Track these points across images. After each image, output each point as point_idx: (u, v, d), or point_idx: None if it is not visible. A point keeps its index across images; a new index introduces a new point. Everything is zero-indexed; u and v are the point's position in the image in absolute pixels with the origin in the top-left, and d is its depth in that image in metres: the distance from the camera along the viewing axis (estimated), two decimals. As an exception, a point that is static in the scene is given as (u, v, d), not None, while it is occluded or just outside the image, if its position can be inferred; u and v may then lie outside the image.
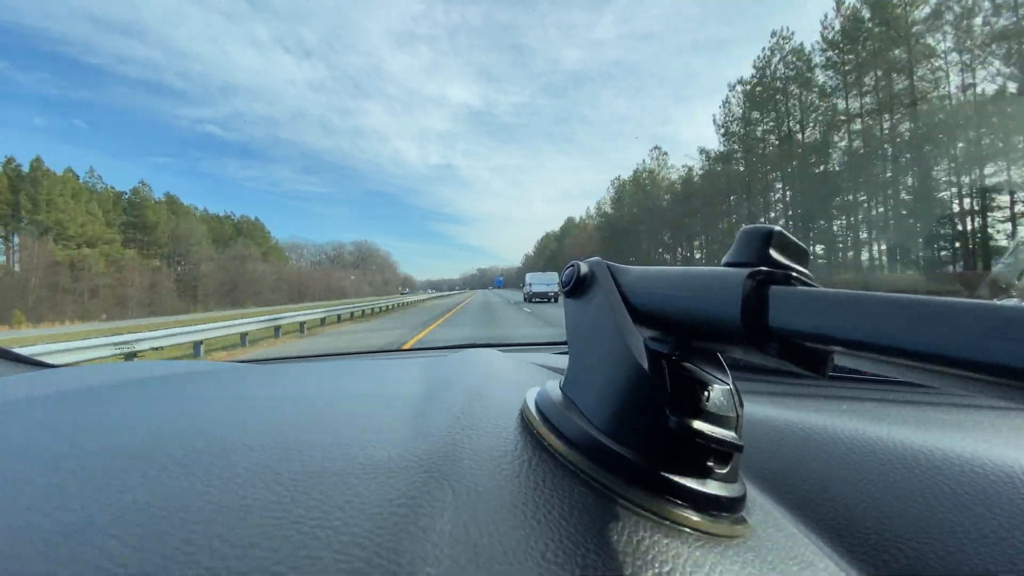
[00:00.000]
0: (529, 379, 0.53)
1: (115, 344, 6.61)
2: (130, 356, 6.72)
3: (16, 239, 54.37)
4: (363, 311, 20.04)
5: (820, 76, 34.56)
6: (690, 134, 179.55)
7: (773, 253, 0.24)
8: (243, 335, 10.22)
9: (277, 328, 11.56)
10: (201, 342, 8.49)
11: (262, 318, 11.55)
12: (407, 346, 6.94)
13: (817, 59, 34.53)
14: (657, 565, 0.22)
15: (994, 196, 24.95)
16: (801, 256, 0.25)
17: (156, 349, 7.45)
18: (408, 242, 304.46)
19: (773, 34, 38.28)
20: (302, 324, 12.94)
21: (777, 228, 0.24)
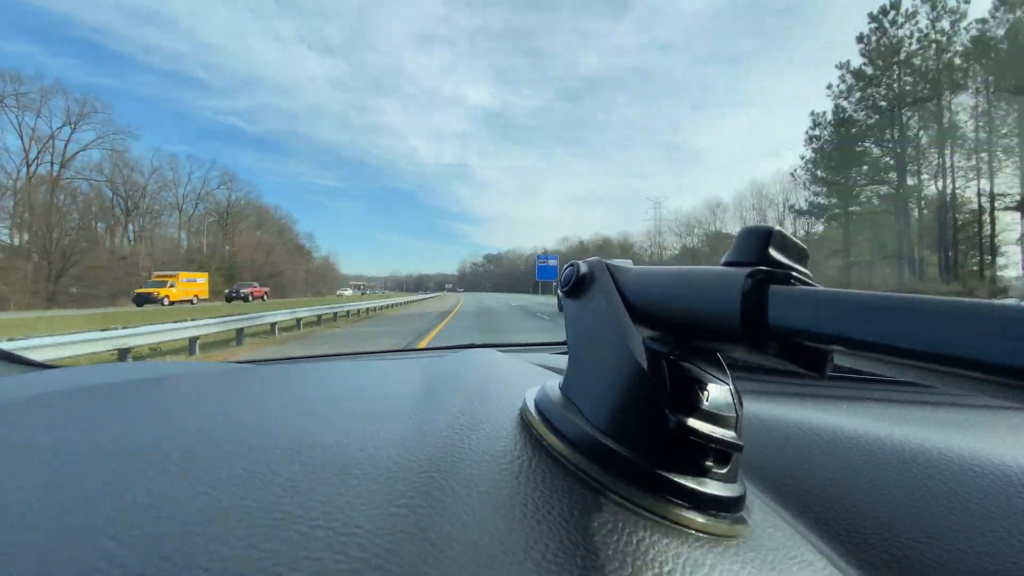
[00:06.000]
0: (529, 379, 0.53)
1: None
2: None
3: None
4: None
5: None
6: (706, 142, 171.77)
7: (773, 252, 0.23)
8: None
9: None
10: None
11: None
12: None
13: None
14: (657, 565, 0.22)
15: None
16: (801, 255, 0.25)
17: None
18: (417, 239, 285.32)
19: None
20: None
21: (777, 228, 0.24)
